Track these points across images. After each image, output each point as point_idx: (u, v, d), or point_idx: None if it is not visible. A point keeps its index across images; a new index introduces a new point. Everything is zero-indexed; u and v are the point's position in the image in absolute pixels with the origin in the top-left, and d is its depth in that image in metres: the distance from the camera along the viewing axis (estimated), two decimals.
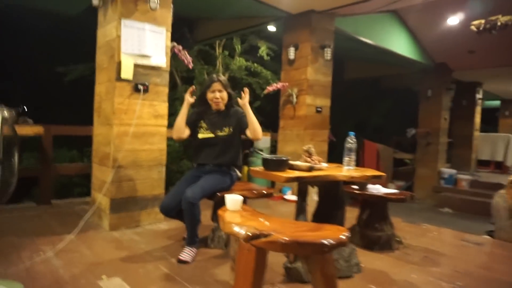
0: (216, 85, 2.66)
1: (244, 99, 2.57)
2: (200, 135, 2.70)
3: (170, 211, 2.54)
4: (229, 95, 2.72)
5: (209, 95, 2.68)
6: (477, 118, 8.92)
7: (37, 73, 8.46)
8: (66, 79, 7.46)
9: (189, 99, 2.64)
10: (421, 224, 3.84)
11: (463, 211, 6.67)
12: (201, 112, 2.75)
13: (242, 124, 2.65)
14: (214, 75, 2.73)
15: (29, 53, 8.43)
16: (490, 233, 3.89)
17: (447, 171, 7.64)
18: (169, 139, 5.53)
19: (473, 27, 3.72)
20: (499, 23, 3.65)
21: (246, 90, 2.59)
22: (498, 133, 10.07)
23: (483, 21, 3.78)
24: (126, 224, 3.12)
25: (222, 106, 2.70)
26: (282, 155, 2.69)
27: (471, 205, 6.54)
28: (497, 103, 11.28)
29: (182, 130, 2.65)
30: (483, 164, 9.08)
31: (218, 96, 2.65)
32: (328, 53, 4.72)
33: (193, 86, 2.72)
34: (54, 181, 4.62)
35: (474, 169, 8.74)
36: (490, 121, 11.37)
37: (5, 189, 1.71)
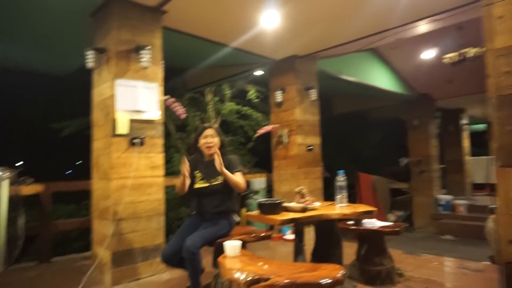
0: (209, 131, 2.80)
1: (217, 163, 2.57)
2: (196, 185, 2.78)
3: (172, 260, 2.59)
4: (222, 142, 2.85)
5: (202, 141, 2.80)
6: (465, 143, 9.13)
7: (33, 130, 8.62)
8: (61, 135, 7.60)
9: (185, 169, 2.65)
10: (421, 255, 3.87)
11: (463, 236, 6.68)
12: (195, 162, 2.85)
13: (230, 168, 2.70)
14: (207, 124, 2.88)
15: (24, 112, 8.64)
16: (491, 258, 3.93)
17: (444, 197, 7.71)
18: (167, 186, 5.60)
19: (446, 60, 4.00)
20: (470, 55, 3.94)
21: (217, 153, 2.59)
22: (489, 155, 10.27)
23: (454, 54, 4.07)
24: (128, 277, 3.13)
25: (214, 151, 2.74)
26: (276, 196, 2.78)
27: (470, 230, 6.57)
28: (484, 126, 11.59)
29: (184, 188, 2.72)
30: (478, 187, 9.17)
31: (210, 140, 2.76)
32: (313, 94, 4.96)
33: (185, 158, 2.71)
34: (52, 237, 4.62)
35: (470, 193, 8.83)
36: (481, 144, 11.62)
37: (13, 251, 1.78)
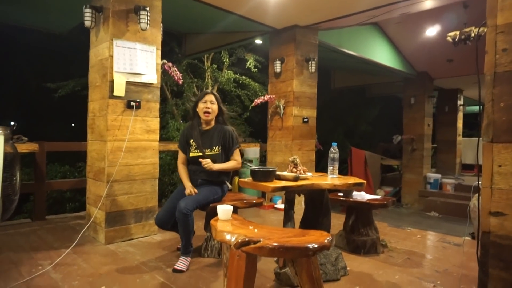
0: (209, 97, 2.80)
1: (206, 166, 2.65)
2: (191, 154, 2.81)
3: (165, 224, 2.67)
4: (220, 110, 2.85)
5: (200, 105, 2.80)
6: (460, 124, 9.20)
7: (27, 89, 8.50)
8: (56, 95, 7.53)
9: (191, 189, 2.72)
10: (406, 228, 4.00)
11: (448, 214, 6.88)
12: (192, 130, 2.85)
13: (228, 149, 2.81)
14: (208, 89, 2.87)
15: (19, 70, 8.48)
16: (472, 235, 4.08)
17: (433, 175, 7.87)
18: (161, 152, 5.64)
19: (449, 38, 3.96)
20: (473, 34, 3.90)
21: (204, 161, 2.66)
22: (480, 137, 10.37)
23: (458, 32, 4.03)
24: (121, 237, 3.21)
25: (210, 118, 2.81)
26: (269, 166, 2.82)
27: (455, 208, 6.76)
28: (480, 108, 11.62)
29: None
30: (467, 168, 9.34)
31: (209, 106, 2.77)
32: (312, 66, 4.91)
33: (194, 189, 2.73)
34: (47, 196, 4.68)
35: (458, 173, 9.00)
36: (473, 126, 11.72)
37: (9, 206, 1.81)
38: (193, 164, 2.83)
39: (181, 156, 2.90)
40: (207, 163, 2.65)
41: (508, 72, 1.25)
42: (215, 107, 2.81)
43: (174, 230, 2.74)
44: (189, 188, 2.71)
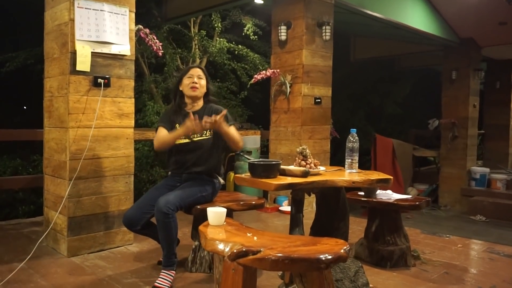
0: (195, 71, 2.83)
1: (218, 117, 2.52)
2: (176, 141, 2.81)
3: (135, 223, 2.70)
4: (208, 88, 2.88)
5: (185, 81, 2.82)
6: None
7: None
8: (3, 70, 7.52)
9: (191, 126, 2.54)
10: (444, 236, 4.05)
11: (498, 218, 6.92)
12: (174, 113, 2.89)
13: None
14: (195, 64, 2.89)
15: None
16: None
17: (479, 170, 7.89)
18: (137, 142, 5.66)
19: None
20: None
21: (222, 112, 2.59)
22: None
23: None
24: (88, 247, 3.26)
25: (198, 94, 2.84)
26: (272, 158, 2.85)
27: (508, 211, 6.79)
28: None
29: (166, 146, 2.78)
30: None
31: (196, 81, 2.79)
32: (327, 32, 4.90)
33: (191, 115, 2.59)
34: None
35: (511, 166, 9.03)
36: None
37: None
38: (177, 153, 2.86)
39: (161, 131, 2.82)
40: (211, 120, 2.50)
41: None
42: (203, 82, 2.84)
43: (144, 233, 2.80)
44: (187, 122, 2.56)
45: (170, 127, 2.84)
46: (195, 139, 2.81)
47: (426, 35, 6.80)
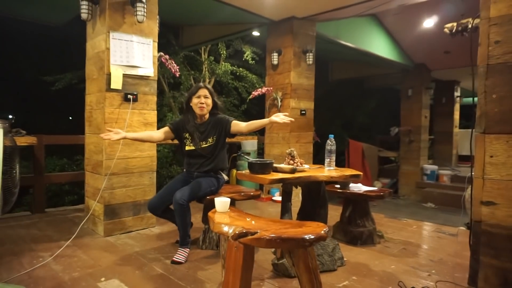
0: (202, 91, 2.77)
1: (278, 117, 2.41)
2: (187, 147, 2.81)
3: (156, 209, 2.72)
4: (215, 103, 2.84)
5: (194, 100, 2.77)
6: (456, 115, 9.23)
7: (25, 82, 8.46)
8: (53, 88, 7.49)
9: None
10: (402, 219, 4.05)
11: (445, 204, 6.94)
12: (185, 123, 2.82)
13: (226, 128, 2.74)
14: (201, 83, 2.86)
15: (16, 63, 8.43)
16: (467, 225, 4.13)
17: (429, 167, 7.91)
18: (159, 145, 5.64)
19: (446, 30, 3.97)
20: (469, 26, 3.91)
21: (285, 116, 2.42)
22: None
23: (455, 24, 4.03)
24: (119, 229, 3.24)
25: (206, 112, 2.80)
26: (267, 158, 2.84)
27: (452, 199, 6.81)
28: (476, 99, 11.65)
29: (157, 138, 2.84)
30: (464, 159, 9.40)
31: (203, 101, 2.75)
32: (310, 58, 4.91)
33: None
34: (46, 189, 4.70)
35: (455, 164, 9.05)
36: (470, 118, 11.74)
37: (9, 198, 1.83)
38: (189, 157, 2.84)
39: (164, 129, 2.85)
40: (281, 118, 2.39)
41: (501, 64, 1.27)
42: (209, 101, 2.79)
43: (164, 217, 2.79)
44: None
45: (176, 133, 2.83)
46: (202, 146, 2.77)
47: (388, 60, 6.84)
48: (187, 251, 2.64)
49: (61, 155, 7.26)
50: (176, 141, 2.95)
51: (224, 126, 2.76)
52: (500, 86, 1.30)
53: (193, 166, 2.82)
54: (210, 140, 2.79)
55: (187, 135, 2.81)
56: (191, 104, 2.80)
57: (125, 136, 2.61)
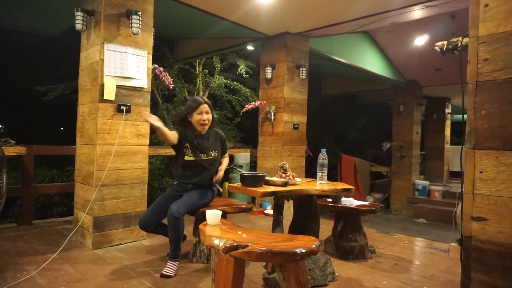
0: (204, 107, 2.73)
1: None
2: (186, 157, 2.78)
3: (148, 226, 2.67)
4: (212, 116, 2.82)
5: (196, 117, 2.72)
6: (447, 132, 9.35)
7: (16, 91, 8.40)
8: (45, 98, 7.45)
9: (151, 120, 2.50)
10: (394, 234, 4.04)
11: (436, 220, 6.96)
12: (186, 133, 2.77)
13: (224, 150, 2.94)
14: (200, 98, 2.82)
15: (8, 72, 8.38)
16: (459, 241, 4.13)
17: (421, 182, 7.96)
18: (150, 157, 5.60)
19: (436, 48, 4.06)
20: (459, 44, 4.00)
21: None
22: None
23: (445, 42, 4.13)
24: (109, 241, 3.18)
25: (207, 128, 2.79)
26: (259, 171, 2.84)
27: (443, 215, 6.83)
28: (466, 116, 11.82)
29: (170, 139, 2.62)
30: (455, 175, 9.48)
31: (205, 118, 2.72)
32: (303, 73, 4.96)
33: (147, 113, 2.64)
34: (34, 201, 4.62)
35: (446, 180, 9.12)
36: (461, 134, 11.88)
37: None
38: (186, 168, 2.80)
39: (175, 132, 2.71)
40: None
41: (489, 81, 1.30)
42: (210, 116, 2.78)
43: (156, 232, 2.75)
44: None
45: (180, 141, 2.72)
46: (203, 158, 2.76)
47: (380, 76, 6.94)
48: (177, 264, 2.60)
49: (51, 165, 7.17)
50: (168, 152, 2.95)
51: (223, 148, 2.94)
52: (489, 102, 1.33)
53: (190, 177, 2.79)
54: (212, 153, 2.79)
55: (187, 145, 2.78)
56: (189, 119, 2.76)
57: (160, 127, 2.47)
